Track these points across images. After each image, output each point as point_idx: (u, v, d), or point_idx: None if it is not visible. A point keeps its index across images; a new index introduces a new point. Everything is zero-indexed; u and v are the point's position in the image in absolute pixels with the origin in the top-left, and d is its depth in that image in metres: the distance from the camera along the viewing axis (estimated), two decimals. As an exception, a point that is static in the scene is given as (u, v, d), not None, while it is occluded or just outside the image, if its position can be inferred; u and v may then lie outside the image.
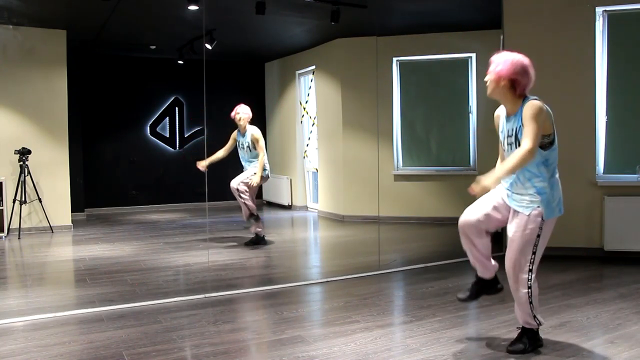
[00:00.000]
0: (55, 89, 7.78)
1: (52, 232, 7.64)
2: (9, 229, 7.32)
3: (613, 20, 5.75)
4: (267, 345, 3.37)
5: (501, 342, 3.34)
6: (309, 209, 9.72)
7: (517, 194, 3.10)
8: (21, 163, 7.36)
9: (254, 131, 6.46)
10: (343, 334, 3.55)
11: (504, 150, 3.19)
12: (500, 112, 3.20)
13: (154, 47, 9.03)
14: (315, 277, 5.41)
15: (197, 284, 4.98)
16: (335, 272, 5.36)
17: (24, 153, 7.36)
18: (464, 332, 3.59)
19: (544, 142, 3.01)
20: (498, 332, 3.53)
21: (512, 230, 3.12)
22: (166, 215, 9.19)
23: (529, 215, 3.04)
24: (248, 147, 6.46)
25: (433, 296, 4.44)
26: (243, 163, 6.60)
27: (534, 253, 3.10)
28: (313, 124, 9.62)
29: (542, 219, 3.05)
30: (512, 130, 3.06)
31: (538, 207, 3.03)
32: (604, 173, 5.82)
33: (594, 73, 5.75)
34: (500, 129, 3.21)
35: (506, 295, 4.45)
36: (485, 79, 3.10)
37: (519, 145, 2.98)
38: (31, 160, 7.47)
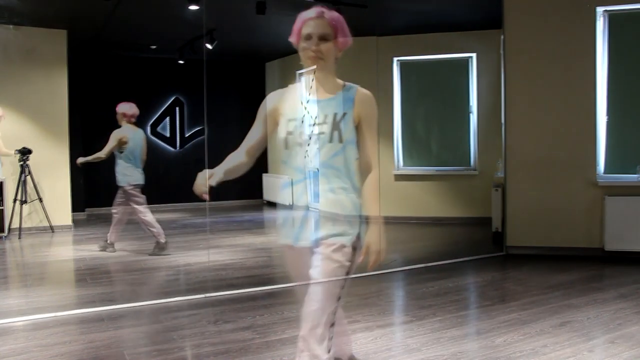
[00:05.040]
0: (55, 89, 7.78)
1: (53, 231, 7.64)
2: (9, 228, 7.32)
3: (613, 20, 5.75)
4: (267, 345, 3.37)
5: (501, 342, 3.34)
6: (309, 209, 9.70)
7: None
8: (21, 163, 7.36)
9: None
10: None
11: (299, 143, 2.34)
12: (281, 100, 2.40)
13: (154, 47, 9.03)
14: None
15: (197, 283, 4.99)
16: (336, 272, 5.35)
17: (24, 153, 7.36)
18: (464, 332, 3.58)
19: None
20: (498, 332, 3.53)
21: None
22: (166, 215, 9.18)
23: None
24: None
25: (433, 296, 4.44)
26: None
27: None
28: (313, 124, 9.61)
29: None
30: (330, 116, 2.29)
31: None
32: (604, 173, 5.81)
33: (595, 73, 5.75)
34: (291, 116, 2.36)
35: (507, 295, 4.46)
36: (317, 44, 2.21)
37: (340, 137, 2.23)
38: (32, 160, 7.46)
